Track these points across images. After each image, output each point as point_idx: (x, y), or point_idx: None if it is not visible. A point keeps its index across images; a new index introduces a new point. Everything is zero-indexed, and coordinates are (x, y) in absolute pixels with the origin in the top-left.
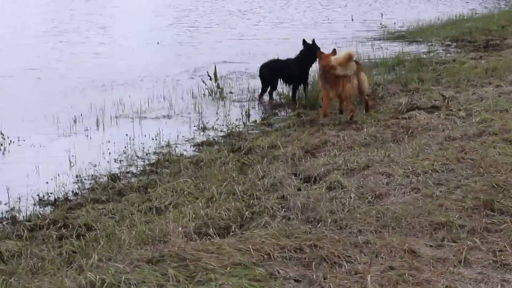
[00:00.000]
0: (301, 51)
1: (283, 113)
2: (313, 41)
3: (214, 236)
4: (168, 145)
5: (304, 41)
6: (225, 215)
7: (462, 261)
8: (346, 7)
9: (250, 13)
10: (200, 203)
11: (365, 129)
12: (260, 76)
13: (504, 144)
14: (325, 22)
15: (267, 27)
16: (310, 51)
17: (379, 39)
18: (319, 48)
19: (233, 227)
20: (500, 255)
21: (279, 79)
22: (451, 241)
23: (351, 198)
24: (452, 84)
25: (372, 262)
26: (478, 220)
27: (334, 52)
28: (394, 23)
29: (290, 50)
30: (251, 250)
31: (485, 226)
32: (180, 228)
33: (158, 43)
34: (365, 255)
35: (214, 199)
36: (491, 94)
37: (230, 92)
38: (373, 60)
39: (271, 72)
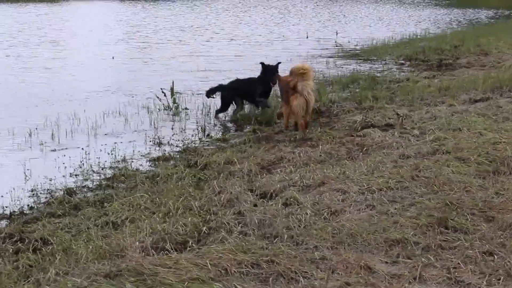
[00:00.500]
0: (262, 72)
1: (238, 130)
2: (263, 64)
3: (172, 251)
4: (124, 160)
5: (262, 64)
6: (182, 230)
7: (417, 277)
8: (299, 25)
9: (202, 29)
10: (157, 218)
11: (320, 146)
12: (221, 96)
13: (457, 163)
14: (279, 40)
15: (220, 44)
16: (268, 72)
17: (334, 57)
18: (277, 71)
19: (190, 242)
20: (454, 272)
21: (240, 98)
22: (406, 257)
23: (307, 214)
24: (406, 103)
25: (328, 278)
26: (432, 237)
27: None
28: (349, 42)
29: (245, 67)
30: (209, 265)
31: (439, 243)
32: (137, 243)
33: (113, 58)
34: (321, 271)
35: (171, 214)
36: (445, 113)
37: (186, 108)
38: (328, 78)
39: (232, 92)
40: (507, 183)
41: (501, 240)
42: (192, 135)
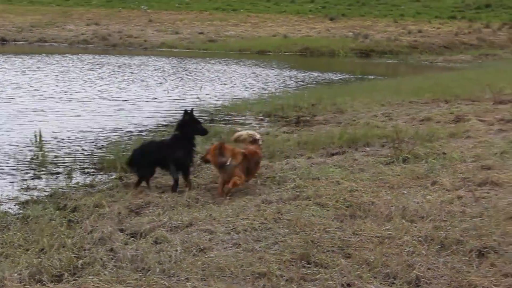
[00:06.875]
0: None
1: (105, 176)
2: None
3: (48, 283)
4: None
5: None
6: (58, 264)
7: None
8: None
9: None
10: (32, 254)
11: (186, 192)
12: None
13: (317, 207)
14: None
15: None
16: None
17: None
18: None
19: (65, 275)
20: None
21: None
22: None
23: (177, 251)
24: (266, 155)
25: None
26: (295, 271)
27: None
28: (210, 97)
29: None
30: None
31: (302, 276)
32: (15, 275)
33: None
34: None
35: (45, 250)
36: (304, 164)
37: (55, 157)
38: None
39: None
40: (363, 225)
41: (358, 272)
42: (59, 181)
